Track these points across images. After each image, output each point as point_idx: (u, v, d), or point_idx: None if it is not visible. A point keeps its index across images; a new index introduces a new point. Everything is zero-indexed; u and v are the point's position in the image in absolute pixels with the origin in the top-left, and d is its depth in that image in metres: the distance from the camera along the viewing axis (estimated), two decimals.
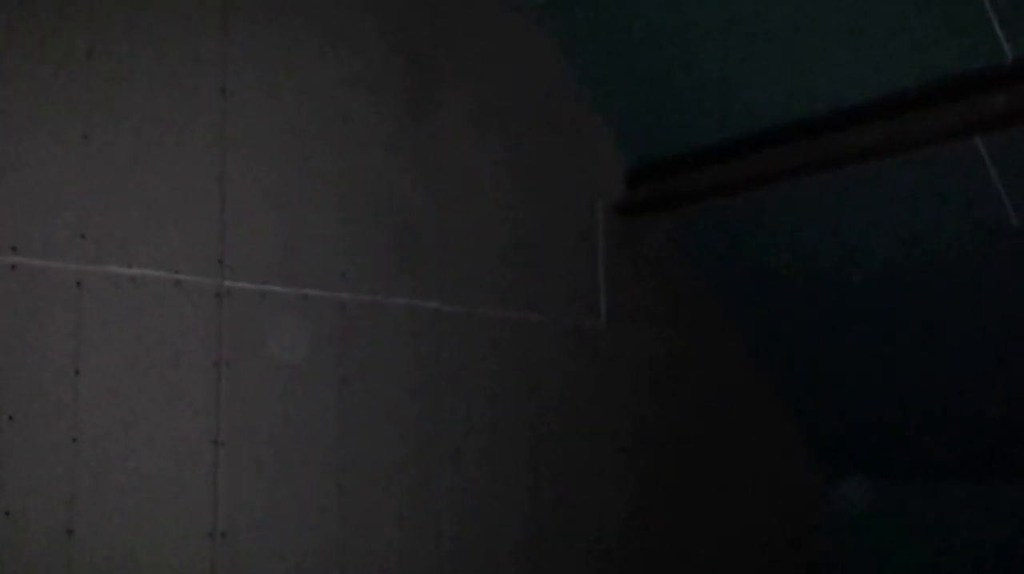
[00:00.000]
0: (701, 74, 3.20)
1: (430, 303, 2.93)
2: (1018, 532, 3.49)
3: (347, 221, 2.77)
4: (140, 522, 2.28)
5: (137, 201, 2.39)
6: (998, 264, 2.99)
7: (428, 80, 3.00)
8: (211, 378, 2.43)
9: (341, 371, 2.70)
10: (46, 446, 2.17)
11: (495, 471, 3.00)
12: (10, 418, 2.13)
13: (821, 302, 3.51)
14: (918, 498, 3.76)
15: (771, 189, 3.21)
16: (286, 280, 2.63)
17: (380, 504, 2.73)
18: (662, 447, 3.47)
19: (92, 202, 2.32)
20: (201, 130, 2.52)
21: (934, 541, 3.70)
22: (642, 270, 3.52)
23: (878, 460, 3.83)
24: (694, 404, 3.60)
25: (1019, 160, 2.76)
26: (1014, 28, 2.57)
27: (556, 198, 3.29)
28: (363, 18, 2.87)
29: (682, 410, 3.55)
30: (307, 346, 2.65)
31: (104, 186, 2.35)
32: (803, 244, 3.41)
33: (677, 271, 3.62)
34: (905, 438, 3.68)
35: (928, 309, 3.28)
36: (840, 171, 3.01)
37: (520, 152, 3.21)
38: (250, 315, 2.54)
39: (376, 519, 2.71)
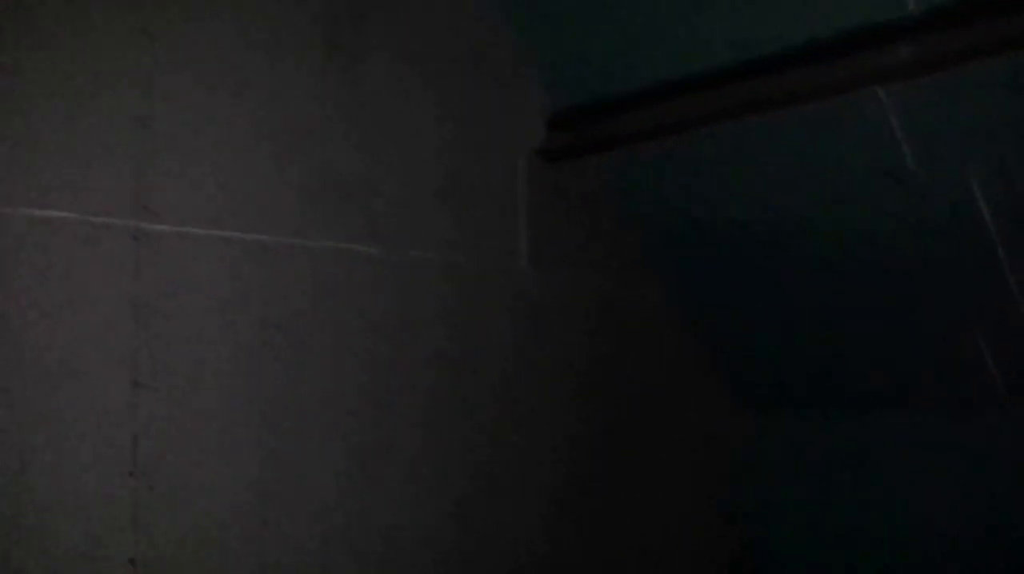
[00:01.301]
0: (626, 18, 3.23)
1: (354, 245, 2.95)
2: (931, 455, 3.73)
3: (270, 164, 2.76)
4: (60, 462, 2.29)
5: (50, 140, 2.35)
6: (898, 207, 3.14)
7: (352, 23, 2.98)
8: (130, 321, 2.42)
9: (264, 315, 2.71)
10: None
11: (424, 409, 3.06)
12: None
13: (739, 246, 3.63)
14: (835, 430, 3.97)
15: (692, 135, 3.30)
16: (206, 222, 2.62)
17: (304, 446, 2.77)
18: (586, 386, 3.58)
19: None
20: (120, 71, 2.48)
21: (851, 469, 3.92)
22: (566, 215, 3.58)
23: (796, 397, 4.02)
24: (617, 346, 3.72)
25: (920, 110, 2.90)
26: None
27: (481, 142, 3.32)
28: None
29: (605, 352, 3.66)
30: (228, 289, 2.65)
31: (12, 123, 2.29)
32: (722, 190, 3.50)
33: (600, 216, 3.69)
34: (820, 375, 3.86)
35: (836, 251, 3.44)
36: (756, 118, 3.11)
37: (445, 96, 3.22)
38: (169, 258, 2.53)
39: (301, 462, 2.75)
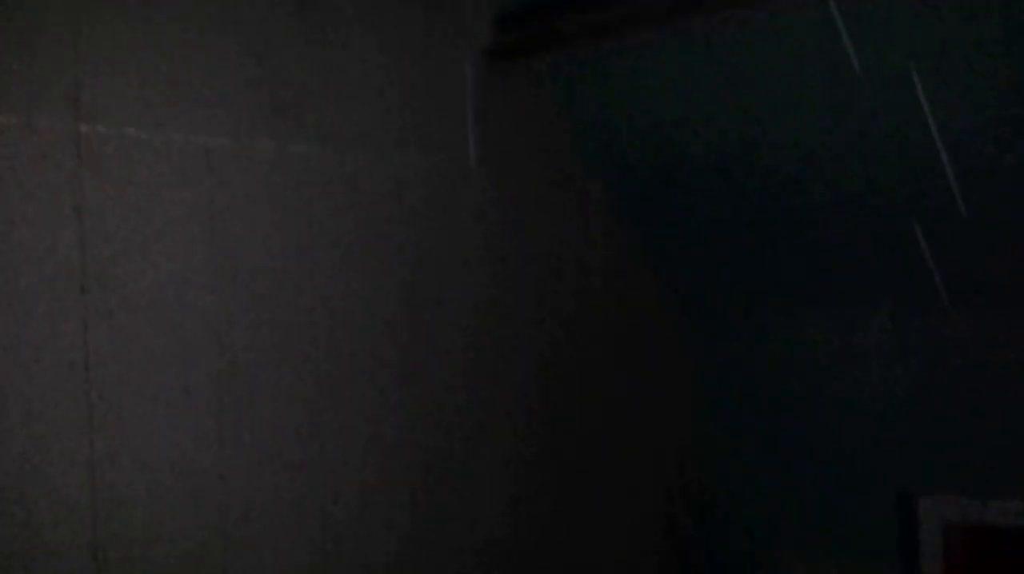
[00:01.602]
0: None
1: (298, 147, 2.91)
2: (873, 358, 3.86)
3: (213, 66, 2.70)
4: (11, 360, 2.28)
5: None
6: (843, 111, 3.19)
7: None
8: (73, 225, 2.39)
9: (209, 218, 2.68)
10: None
11: (369, 309, 3.08)
12: None
13: (683, 152, 3.65)
14: (779, 333, 4.08)
15: (633, 39, 3.28)
16: (147, 124, 2.56)
17: (256, 346, 2.78)
18: (533, 294, 3.63)
19: None
20: None
21: (795, 372, 4.05)
22: (514, 117, 3.55)
23: (738, 302, 4.11)
24: (556, 249, 3.75)
25: (867, 13, 2.92)
26: None
27: (427, 40, 3.26)
28: None
29: (545, 254, 3.70)
30: (172, 194, 2.62)
31: None
32: (665, 95, 3.49)
33: (548, 119, 3.67)
34: (762, 279, 3.94)
35: (780, 155, 3.47)
36: (701, 23, 3.10)
37: None
38: (110, 160, 2.48)
39: (253, 360, 2.77)
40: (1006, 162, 3.19)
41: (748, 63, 3.24)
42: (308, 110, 2.92)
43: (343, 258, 2.99)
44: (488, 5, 3.45)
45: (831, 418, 3.95)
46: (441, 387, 3.30)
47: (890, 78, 3.04)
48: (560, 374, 3.76)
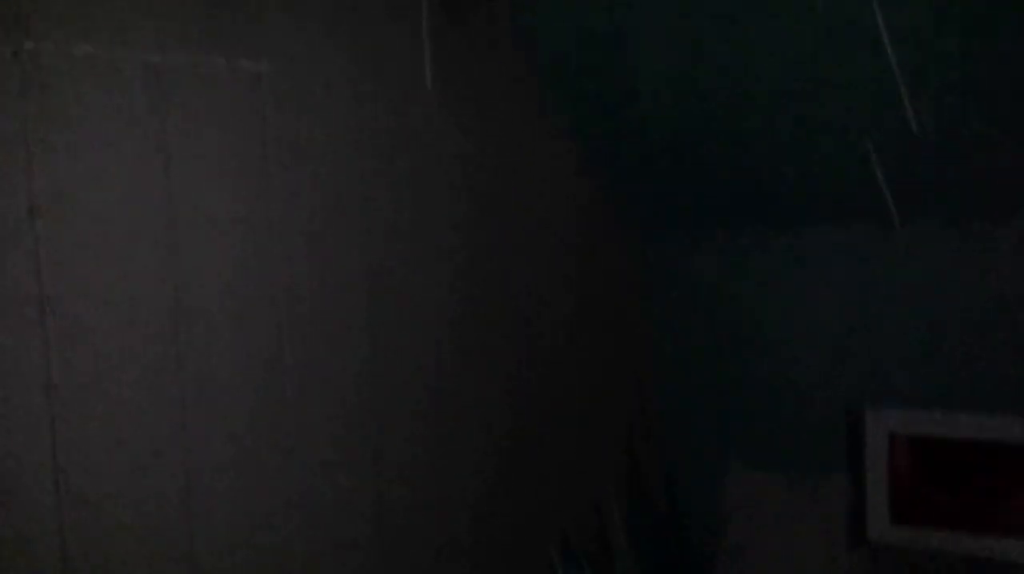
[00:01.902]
0: None
1: (247, 63, 2.80)
2: (823, 274, 3.95)
3: None
4: None
5: None
6: (803, 31, 3.19)
7: None
8: (19, 146, 2.27)
9: (158, 139, 2.58)
10: None
11: (329, 226, 3.01)
12: None
13: (641, 73, 3.62)
14: (733, 251, 4.15)
15: None
16: (91, 41, 2.43)
17: (212, 261, 2.70)
18: (484, 218, 3.59)
19: None
20: None
21: (746, 290, 4.14)
22: (470, 42, 3.47)
23: (693, 221, 4.15)
24: (514, 172, 3.71)
25: None
26: None
27: None
28: None
29: (502, 176, 3.65)
30: (118, 112, 2.50)
31: None
32: (625, 14, 3.46)
33: (504, 40, 3.60)
34: (718, 197, 3.97)
35: (739, 74, 3.47)
36: None
37: None
38: (54, 78, 2.35)
39: (207, 276, 2.69)
40: (953, 79, 3.25)
41: None
42: (264, 28, 2.80)
43: (297, 172, 2.91)
44: None
45: (781, 334, 4.04)
46: (402, 317, 3.28)
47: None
48: (517, 300, 3.76)
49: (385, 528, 3.20)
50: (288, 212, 2.89)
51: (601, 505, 4.06)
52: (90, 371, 2.43)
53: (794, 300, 3.99)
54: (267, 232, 2.84)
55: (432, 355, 3.38)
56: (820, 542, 3.89)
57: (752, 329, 4.10)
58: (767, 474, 4.04)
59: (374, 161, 3.15)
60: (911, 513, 3.89)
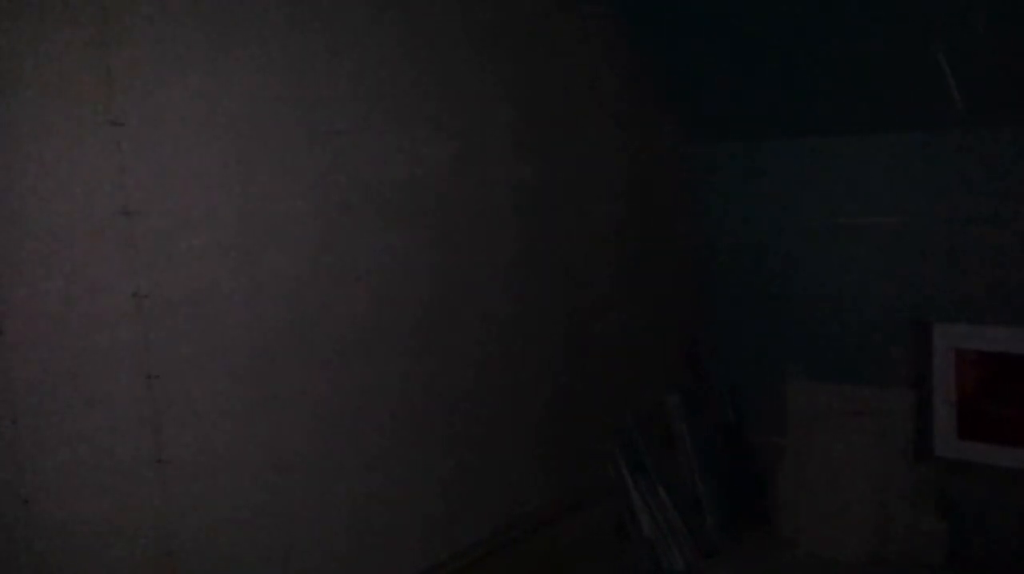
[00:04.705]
0: None
1: None
2: (862, 174, 3.93)
3: None
4: (50, 204, 2.37)
5: None
6: None
7: None
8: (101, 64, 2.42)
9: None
10: None
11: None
12: None
13: None
14: (803, 155, 4.14)
15: None
16: None
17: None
18: (543, 106, 3.67)
19: None
20: None
21: (816, 192, 4.14)
22: None
23: (761, 126, 4.14)
24: (574, 70, 3.81)
25: None
26: None
27: None
28: None
29: (563, 71, 3.75)
30: None
31: None
32: None
33: None
34: (787, 103, 3.95)
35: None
36: None
37: None
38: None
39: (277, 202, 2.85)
40: None
41: None
42: None
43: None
44: None
45: (845, 246, 4.02)
46: (477, 227, 3.42)
47: None
48: (584, 206, 3.87)
49: (459, 417, 3.38)
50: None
51: (665, 405, 4.17)
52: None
53: (858, 210, 3.96)
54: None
55: (502, 269, 3.53)
56: (883, 454, 3.92)
57: (816, 242, 4.10)
58: (829, 386, 4.06)
59: (440, 62, 3.25)
60: (977, 428, 3.88)
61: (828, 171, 4.04)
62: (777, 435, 4.18)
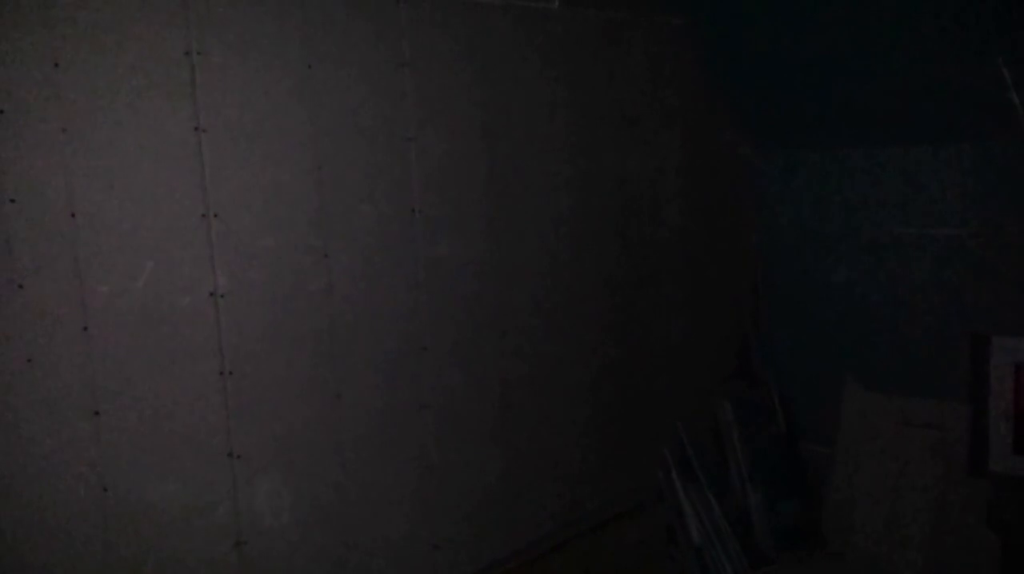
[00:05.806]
0: None
1: None
2: (901, 182, 3.94)
3: None
4: (135, 203, 2.43)
5: None
6: None
7: None
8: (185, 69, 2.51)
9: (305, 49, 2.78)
10: (39, 137, 2.23)
11: (454, 145, 3.17)
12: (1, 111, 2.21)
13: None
14: (823, 163, 4.15)
15: None
16: None
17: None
18: (606, 120, 3.73)
19: None
20: None
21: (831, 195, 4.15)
22: None
23: (793, 135, 4.14)
24: (637, 79, 3.85)
25: None
26: None
27: None
28: None
29: (626, 85, 3.80)
30: None
31: None
32: None
33: None
34: (814, 117, 3.95)
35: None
36: None
37: None
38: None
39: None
40: None
41: None
42: None
43: (429, 90, 3.09)
44: None
45: (904, 256, 4.01)
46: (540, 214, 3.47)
47: None
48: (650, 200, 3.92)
49: (509, 406, 3.43)
50: (411, 121, 3.08)
51: (717, 413, 4.18)
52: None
53: (916, 223, 3.95)
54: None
55: (548, 254, 3.56)
56: (937, 466, 3.90)
57: (874, 251, 4.09)
58: (884, 397, 4.05)
59: (497, 77, 3.31)
60: None
61: (889, 182, 4.03)
62: (830, 445, 4.17)
